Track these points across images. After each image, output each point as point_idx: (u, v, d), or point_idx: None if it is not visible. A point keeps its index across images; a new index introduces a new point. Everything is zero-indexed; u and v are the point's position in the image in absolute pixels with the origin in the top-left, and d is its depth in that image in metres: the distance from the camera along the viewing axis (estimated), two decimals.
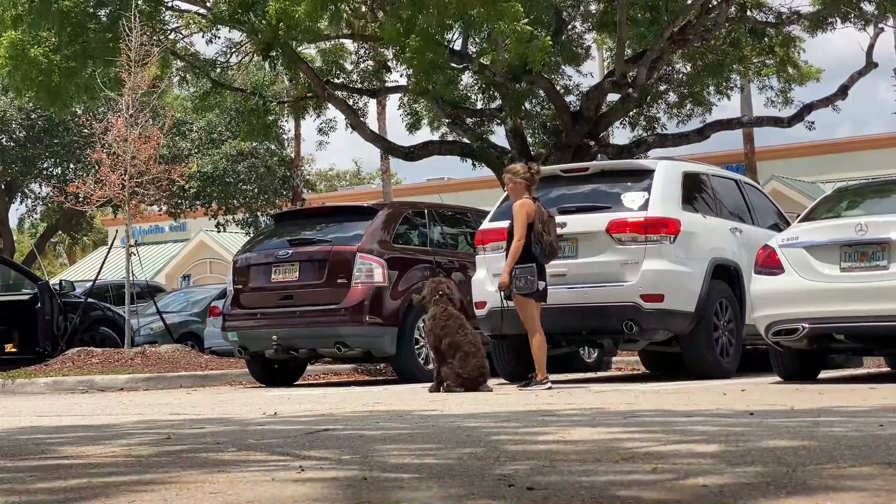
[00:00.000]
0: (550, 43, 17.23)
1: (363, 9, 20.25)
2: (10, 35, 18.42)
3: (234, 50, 20.94)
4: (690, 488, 3.37)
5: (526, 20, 16.20)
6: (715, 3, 19.93)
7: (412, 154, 21.61)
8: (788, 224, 11.90)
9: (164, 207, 29.47)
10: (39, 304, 16.07)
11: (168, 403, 9.49)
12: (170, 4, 20.09)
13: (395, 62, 19.90)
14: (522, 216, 9.92)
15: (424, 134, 23.26)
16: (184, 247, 46.40)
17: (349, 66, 22.79)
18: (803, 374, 10.10)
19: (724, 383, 9.98)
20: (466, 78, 21.20)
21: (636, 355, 14.20)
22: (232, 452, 4.79)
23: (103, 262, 17.89)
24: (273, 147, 33.48)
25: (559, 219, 10.54)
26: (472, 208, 15.00)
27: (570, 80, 23.05)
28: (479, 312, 11.44)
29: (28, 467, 4.47)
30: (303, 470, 4.02)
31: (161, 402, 9.69)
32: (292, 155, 35.80)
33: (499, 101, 20.31)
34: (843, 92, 22.06)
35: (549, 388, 9.73)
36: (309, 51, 23.57)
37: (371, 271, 12.39)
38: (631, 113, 21.71)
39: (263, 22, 17.45)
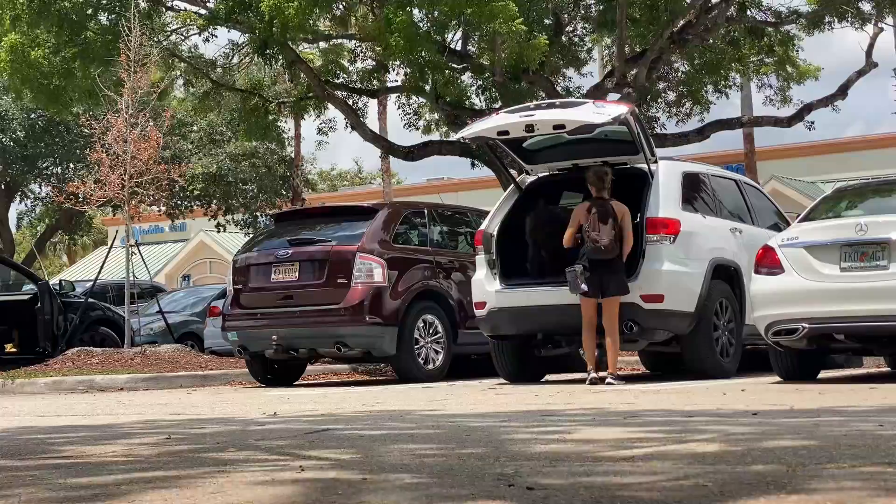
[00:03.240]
0: (547, 42, 17.23)
1: (360, 8, 20.27)
2: (10, 38, 18.41)
3: (234, 50, 20.96)
4: (690, 488, 3.37)
5: (521, 20, 16.21)
6: (714, 2, 19.95)
7: (412, 154, 21.63)
8: (788, 224, 11.89)
9: (163, 208, 29.44)
10: (39, 304, 16.06)
11: (168, 403, 9.49)
12: (169, 4, 20.11)
13: (384, 58, 19.92)
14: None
15: (424, 133, 23.31)
16: (184, 247, 46.41)
17: (349, 66, 22.81)
18: (803, 374, 10.10)
19: (724, 383, 9.98)
20: (467, 78, 21.22)
21: (636, 355, 14.20)
22: (232, 452, 4.79)
23: (103, 262, 17.88)
24: (273, 147, 33.47)
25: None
26: (472, 208, 14.99)
27: (571, 81, 23.07)
28: (478, 313, 11.44)
29: (28, 467, 4.47)
30: (303, 470, 4.02)
31: (161, 402, 9.69)
32: (292, 155, 35.79)
33: (499, 102, 20.32)
34: (842, 92, 22.07)
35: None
36: (309, 51, 23.60)
37: (371, 271, 12.39)
38: None
39: (258, 20, 17.47)
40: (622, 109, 10.85)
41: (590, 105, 11.19)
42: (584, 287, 10.20)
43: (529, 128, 11.03)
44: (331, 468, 4.13)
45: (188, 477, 3.95)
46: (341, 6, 18.56)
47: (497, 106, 20.89)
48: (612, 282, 10.27)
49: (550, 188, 12.38)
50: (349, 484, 3.66)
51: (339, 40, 22.51)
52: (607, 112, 10.76)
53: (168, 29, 20.22)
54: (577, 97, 22.09)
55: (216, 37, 20.26)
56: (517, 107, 11.98)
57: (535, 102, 12.12)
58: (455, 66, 19.54)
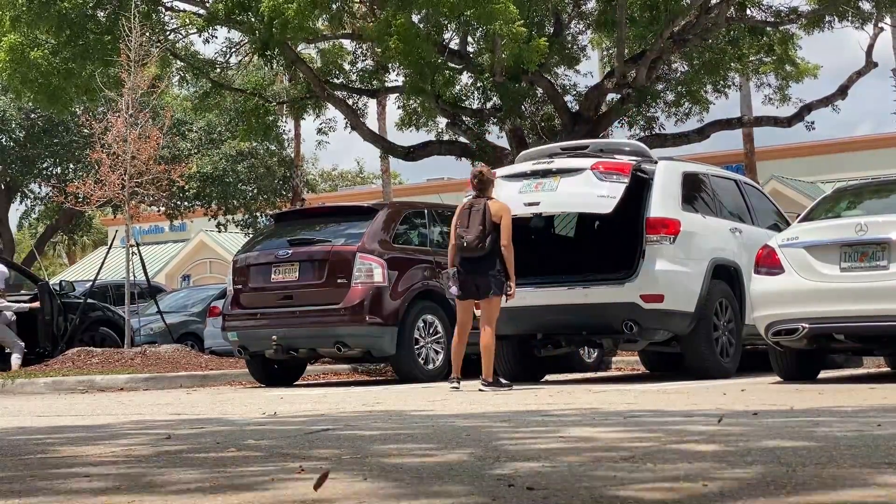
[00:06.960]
0: (547, 44, 17.24)
1: (362, 9, 20.27)
2: (10, 38, 18.43)
3: (233, 50, 20.96)
4: (690, 488, 3.37)
5: (522, 21, 16.22)
6: (714, 2, 19.95)
7: (412, 154, 21.63)
8: (788, 224, 11.89)
9: (163, 209, 29.43)
10: (39, 305, 16.06)
11: (168, 403, 9.49)
12: (169, 4, 20.11)
13: (384, 61, 19.93)
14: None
15: (424, 134, 23.40)
16: (184, 247, 46.42)
17: (348, 67, 22.80)
18: (803, 374, 10.10)
19: (724, 383, 9.98)
20: (465, 78, 21.21)
21: (636, 355, 14.20)
22: (232, 452, 4.79)
23: (103, 262, 17.87)
24: (273, 147, 33.48)
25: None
26: None
27: (569, 79, 23.07)
28: (478, 313, 11.43)
29: (27, 468, 4.47)
30: (303, 470, 4.02)
31: (161, 402, 9.69)
32: (292, 155, 35.79)
33: (497, 101, 20.32)
34: (842, 92, 22.10)
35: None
36: (308, 51, 23.60)
37: (371, 271, 12.39)
38: (630, 113, 21.71)
39: (258, 20, 17.47)
40: (624, 180, 10.73)
41: (589, 174, 10.92)
42: (454, 290, 10.12)
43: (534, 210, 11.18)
44: (330, 468, 4.12)
45: (187, 477, 3.95)
46: (339, 6, 18.52)
47: (492, 105, 20.89)
48: (483, 283, 10.05)
49: None
50: (350, 483, 3.66)
51: (339, 40, 22.50)
52: (611, 193, 10.64)
53: (167, 29, 20.21)
54: (576, 96, 22.10)
55: (216, 37, 20.24)
56: (516, 170, 11.68)
57: (531, 165, 11.53)
58: (454, 66, 19.54)
